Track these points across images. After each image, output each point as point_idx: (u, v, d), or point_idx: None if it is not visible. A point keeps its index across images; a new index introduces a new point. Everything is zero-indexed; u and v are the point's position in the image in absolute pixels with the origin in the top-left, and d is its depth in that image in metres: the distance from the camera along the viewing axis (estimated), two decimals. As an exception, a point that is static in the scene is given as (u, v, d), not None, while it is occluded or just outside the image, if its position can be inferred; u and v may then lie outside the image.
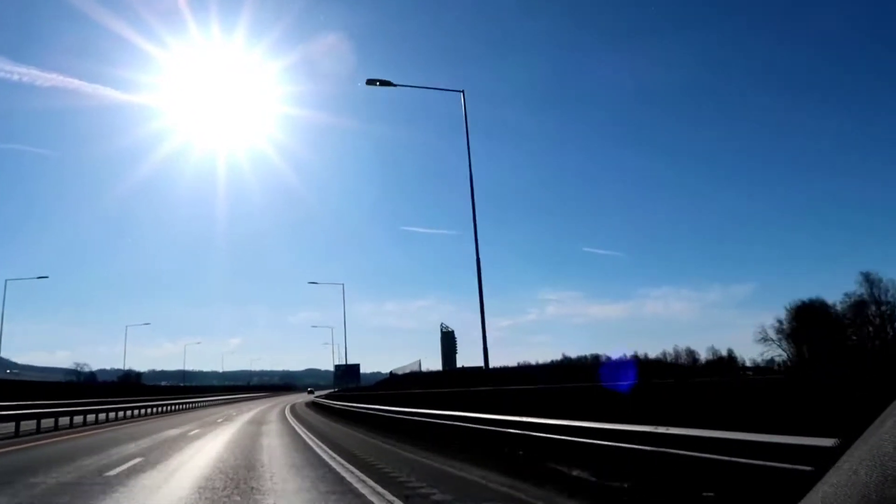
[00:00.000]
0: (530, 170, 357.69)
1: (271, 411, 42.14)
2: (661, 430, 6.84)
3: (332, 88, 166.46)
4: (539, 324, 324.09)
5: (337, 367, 71.24)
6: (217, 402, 66.43)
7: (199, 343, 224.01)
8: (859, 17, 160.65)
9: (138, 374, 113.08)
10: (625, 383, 9.40)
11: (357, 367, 74.30)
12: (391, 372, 66.88)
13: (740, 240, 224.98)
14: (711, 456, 5.93)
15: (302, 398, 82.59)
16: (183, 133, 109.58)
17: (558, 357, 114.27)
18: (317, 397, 66.07)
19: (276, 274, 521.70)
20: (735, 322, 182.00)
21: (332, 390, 71.99)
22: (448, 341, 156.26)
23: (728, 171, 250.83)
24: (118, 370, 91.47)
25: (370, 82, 21.05)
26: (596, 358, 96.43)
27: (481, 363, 20.48)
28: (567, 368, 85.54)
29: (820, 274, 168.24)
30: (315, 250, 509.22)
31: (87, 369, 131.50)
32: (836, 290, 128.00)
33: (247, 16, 65.30)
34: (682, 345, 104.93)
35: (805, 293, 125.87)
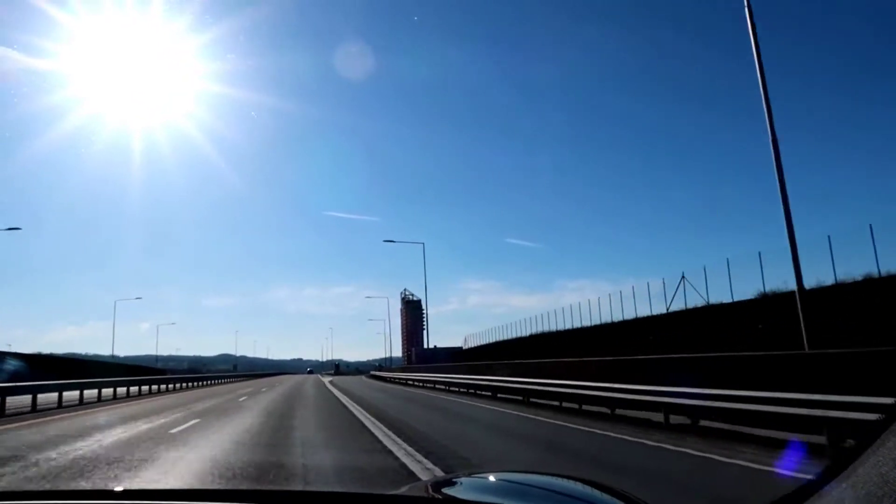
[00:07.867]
0: (461, 158, 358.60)
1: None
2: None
3: (260, 67, 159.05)
4: (460, 313, 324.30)
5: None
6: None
7: (102, 327, 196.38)
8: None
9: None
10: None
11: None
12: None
13: (654, 235, 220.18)
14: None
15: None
16: (93, 105, 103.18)
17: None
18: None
19: (192, 256, 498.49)
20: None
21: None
22: (413, 313, 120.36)
23: (646, 173, 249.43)
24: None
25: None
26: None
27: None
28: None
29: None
30: (235, 233, 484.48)
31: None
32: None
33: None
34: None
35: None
